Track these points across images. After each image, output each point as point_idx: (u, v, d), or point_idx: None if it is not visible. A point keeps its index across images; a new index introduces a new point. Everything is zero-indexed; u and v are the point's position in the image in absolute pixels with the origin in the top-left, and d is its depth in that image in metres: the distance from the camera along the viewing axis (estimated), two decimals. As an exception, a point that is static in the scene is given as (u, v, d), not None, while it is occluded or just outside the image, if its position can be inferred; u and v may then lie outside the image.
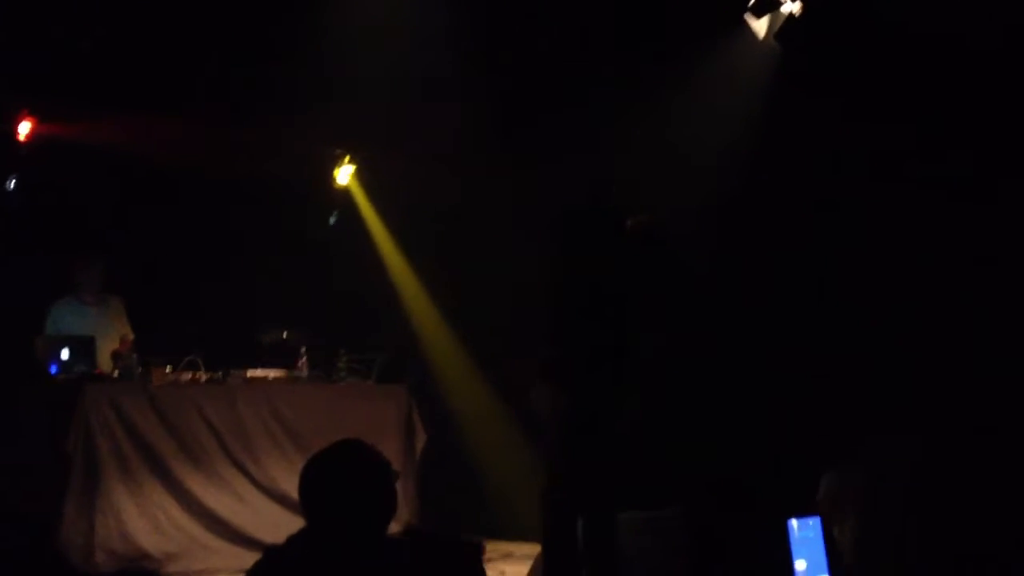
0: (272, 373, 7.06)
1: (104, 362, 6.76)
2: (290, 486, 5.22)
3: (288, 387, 7.02)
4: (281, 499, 6.52)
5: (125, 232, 7.71)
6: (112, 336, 6.95)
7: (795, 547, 4.43)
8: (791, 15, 6.68)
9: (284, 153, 8.07)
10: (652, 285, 5.06)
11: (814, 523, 4.50)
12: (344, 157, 8.56)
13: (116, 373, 6.64)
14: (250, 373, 6.95)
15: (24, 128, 7.33)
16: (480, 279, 7.44)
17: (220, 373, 6.89)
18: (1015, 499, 4.31)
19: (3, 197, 7.41)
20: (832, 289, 6.67)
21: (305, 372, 7.16)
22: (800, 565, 4.42)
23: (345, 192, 8.67)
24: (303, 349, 7.20)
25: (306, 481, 2.87)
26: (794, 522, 4.44)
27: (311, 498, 2.85)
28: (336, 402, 7.05)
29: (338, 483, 2.84)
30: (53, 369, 6.44)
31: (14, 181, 7.37)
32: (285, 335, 7.35)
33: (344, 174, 8.60)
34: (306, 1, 6.98)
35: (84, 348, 6.60)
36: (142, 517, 6.21)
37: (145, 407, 6.35)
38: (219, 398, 6.67)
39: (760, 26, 6.71)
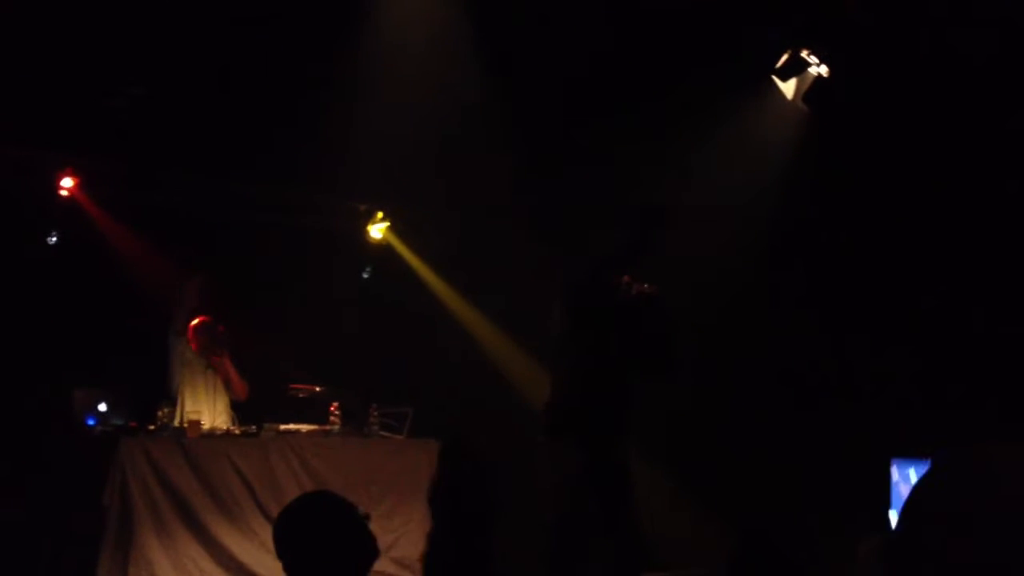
0: (305, 427, 7.15)
1: (213, 417, 7.12)
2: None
3: (320, 441, 7.07)
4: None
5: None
6: (220, 394, 7.27)
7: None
8: (819, 76, 6.76)
9: (316, 210, 8.23)
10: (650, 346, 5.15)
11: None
12: (377, 213, 8.70)
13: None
14: (283, 427, 7.03)
15: (66, 184, 7.50)
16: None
17: (254, 427, 6.98)
18: None
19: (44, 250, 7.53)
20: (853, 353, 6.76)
21: (337, 426, 7.23)
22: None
23: (378, 247, 8.80)
24: (336, 404, 7.28)
25: (277, 533, 3.01)
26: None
27: (284, 550, 2.98)
28: (367, 456, 7.11)
29: (306, 534, 2.97)
30: (91, 421, 6.52)
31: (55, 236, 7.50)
32: (318, 389, 7.44)
33: (377, 229, 8.75)
34: (338, 65, 7.09)
35: (121, 400, 6.68)
36: (174, 569, 6.23)
37: (180, 460, 6.40)
38: (252, 451, 6.73)
39: (788, 88, 6.78)
